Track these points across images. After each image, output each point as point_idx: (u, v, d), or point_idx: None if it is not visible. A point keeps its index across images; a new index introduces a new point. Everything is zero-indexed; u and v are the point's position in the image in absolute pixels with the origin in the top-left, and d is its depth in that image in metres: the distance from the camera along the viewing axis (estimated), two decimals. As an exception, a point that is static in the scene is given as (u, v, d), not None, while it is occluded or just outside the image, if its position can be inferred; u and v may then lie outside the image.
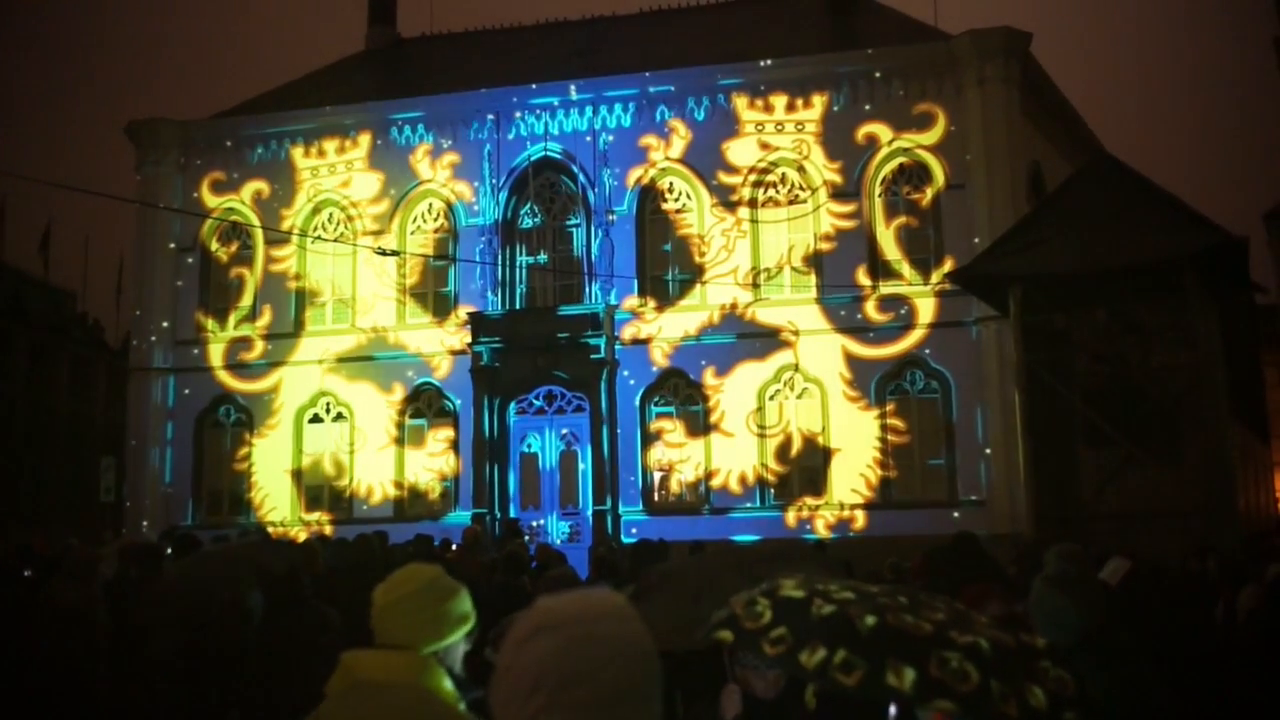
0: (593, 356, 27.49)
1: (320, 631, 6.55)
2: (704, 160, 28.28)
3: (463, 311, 28.98)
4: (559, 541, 25.54)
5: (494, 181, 29.37)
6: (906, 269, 27.17)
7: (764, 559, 5.54)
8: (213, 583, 6.61)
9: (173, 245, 31.51)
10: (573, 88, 29.11)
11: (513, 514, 27.03)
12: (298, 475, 29.96)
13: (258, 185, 31.36)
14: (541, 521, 27.60)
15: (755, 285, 27.67)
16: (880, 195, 27.55)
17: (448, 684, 3.18)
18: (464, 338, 28.68)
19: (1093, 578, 4.47)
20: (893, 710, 2.68)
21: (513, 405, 28.59)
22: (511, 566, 10.41)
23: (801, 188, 27.91)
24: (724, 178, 28.15)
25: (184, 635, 6.53)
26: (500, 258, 29.15)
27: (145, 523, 28.94)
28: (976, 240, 24.90)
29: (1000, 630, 2.17)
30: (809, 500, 26.62)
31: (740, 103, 28.27)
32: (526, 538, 19.88)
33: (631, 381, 27.92)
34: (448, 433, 29.07)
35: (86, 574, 7.84)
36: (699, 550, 11.94)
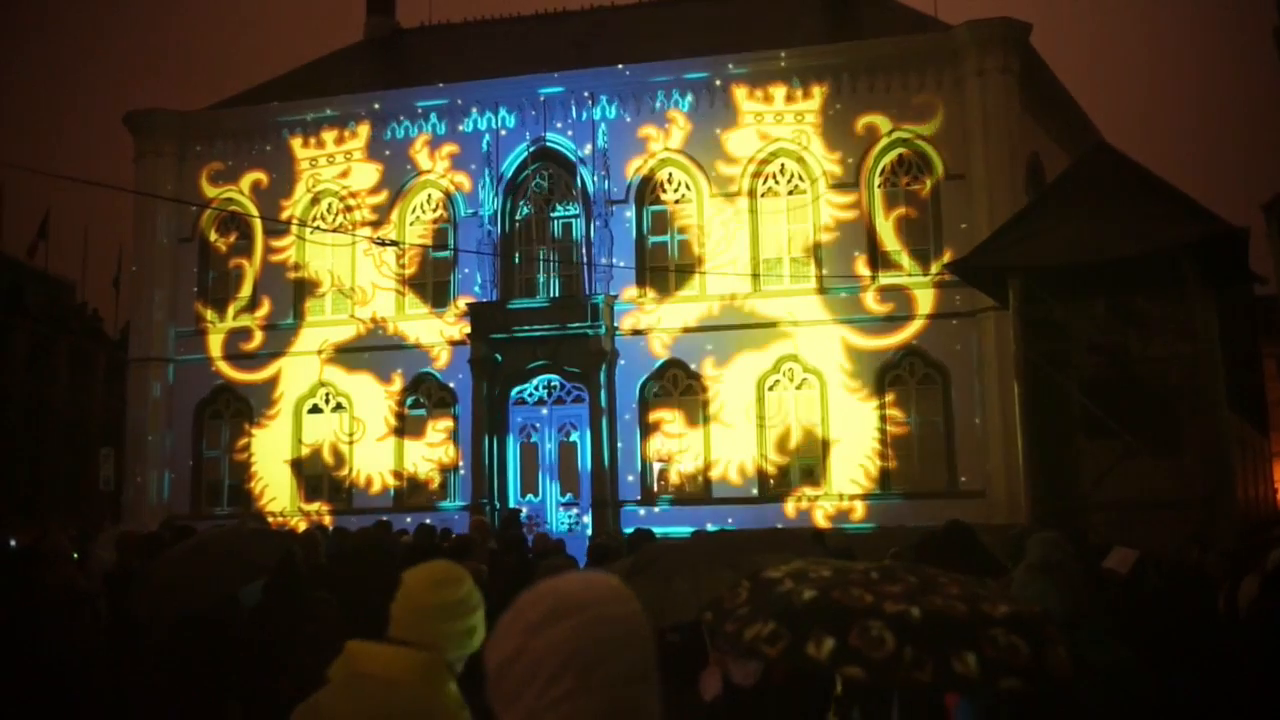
0: (592, 347, 27.48)
1: (317, 620, 6.56)
2: (703, 151, 28.24)
3: (462, 302, 28.96)
4: (561, 530, 25.54)
5: (493, 172, 29.33)
6: (906, 260, 27.16)
7: (752, 548, 5.51)
8: (206, 572, 6.59)
9: (171, 235, 31.50)
10: (572, 78, 29.05)
11: (512, 504, 27.08)
12: (297, 465, 29.98)
13: (256, 175, 31.32)
14: (541, 511, 27.62)
15: (755, 276, 27.65)
16: (880, 186, 27.53)
17: (454, 689, 3.10)
18: (463, 328, 28.66)
19: (1073, 564, 4.47)
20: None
21: (512, 396, 28.59)
22: (505, 554, 10.40)
23: (801, 178, 27.89)
24: (723, 168, 28.11)
25: (177, 625, 6.52)
26: (499, 248, 29.12)
27: (144, 513, 28.91)
28: (976, 231, 24.86)
29: (959, 600, 2.14)
30: (808, 491, 26.63)
31: (740, 93, 28.23)
32: (525, 529, 19.91)
33: (631, 372, 27.91)
34: (447, 423, 29.08)
35: (64, 561, 7.86)
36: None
